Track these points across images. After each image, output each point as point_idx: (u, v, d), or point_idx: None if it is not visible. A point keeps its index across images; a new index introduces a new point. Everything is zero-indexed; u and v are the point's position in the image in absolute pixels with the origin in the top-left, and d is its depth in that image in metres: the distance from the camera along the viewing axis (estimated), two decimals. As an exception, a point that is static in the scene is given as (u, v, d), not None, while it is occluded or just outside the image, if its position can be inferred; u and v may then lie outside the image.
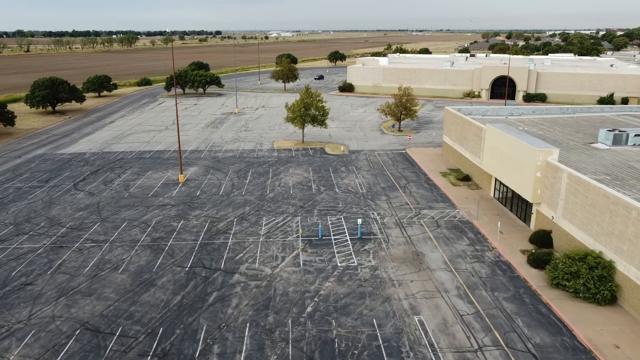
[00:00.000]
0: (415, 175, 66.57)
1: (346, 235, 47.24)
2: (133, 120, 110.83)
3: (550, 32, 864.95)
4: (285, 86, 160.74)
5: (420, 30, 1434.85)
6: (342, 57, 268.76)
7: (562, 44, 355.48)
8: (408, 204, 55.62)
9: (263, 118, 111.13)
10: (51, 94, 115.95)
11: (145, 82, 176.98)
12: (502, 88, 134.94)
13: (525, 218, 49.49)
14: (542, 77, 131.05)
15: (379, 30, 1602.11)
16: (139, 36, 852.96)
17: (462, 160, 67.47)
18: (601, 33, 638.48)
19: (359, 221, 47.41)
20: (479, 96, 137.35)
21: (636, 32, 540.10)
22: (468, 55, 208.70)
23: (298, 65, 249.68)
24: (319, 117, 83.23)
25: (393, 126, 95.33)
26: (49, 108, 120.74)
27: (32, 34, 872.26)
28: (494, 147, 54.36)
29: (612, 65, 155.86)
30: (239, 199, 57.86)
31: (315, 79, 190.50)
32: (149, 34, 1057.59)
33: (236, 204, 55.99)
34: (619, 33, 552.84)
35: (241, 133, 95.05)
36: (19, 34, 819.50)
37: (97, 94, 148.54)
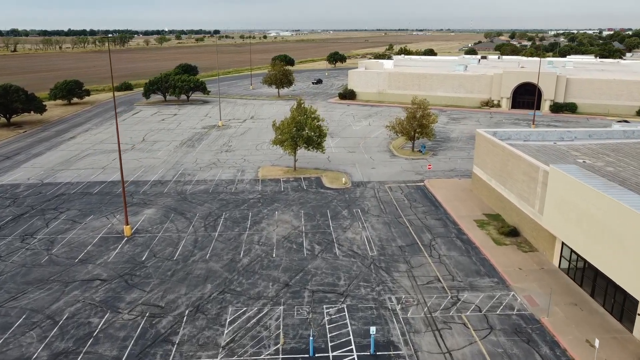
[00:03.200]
0: (442, 225, 49.89)
1: (352, 350, 30.59)
2: (97, 135, 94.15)
3: (553, 32, 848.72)
4: (279, 92, 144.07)
5: (421, 30, 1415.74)
6: (342, 59, 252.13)
7: (572, 44, 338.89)
8: (439, 280, 38.96)
9: (250, 133, 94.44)
10: (3, 104, 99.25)
11: (126, 87, 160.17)
12: (525, 96, 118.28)
13: (622, 316, 32.84)
14: (572, 84, 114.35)
15: (379, 30, 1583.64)
16: (135, 35, 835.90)
17: (504, 204, 50.84)
18: (605, 33, 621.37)
19: (372, 330, 30.64)
20: (498, 105, 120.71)
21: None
22: (480, 57, 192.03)
23: (295, 67, 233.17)
24: (314, 139, 66.60)
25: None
26: (3, 120, 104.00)
27: (26, 33, 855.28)
28: (564, 201, 37.73)
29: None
30: (199, 267, 41.18)
31: (312, 83, 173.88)
32: (146, 33, 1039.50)
33: (194, 279, 39.31)
34: (625, 33, 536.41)
35: (221, 155, 78.31)
36: (13, 32, 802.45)
37: (66, 102, 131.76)
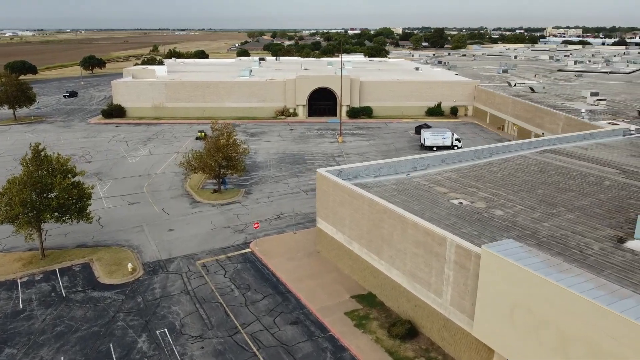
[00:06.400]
0: (305, 334, 32.17)
1: None
2: None
3: (307, 32, 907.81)
4: (15, 114, 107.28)
5: (183, 30, 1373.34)
6: (101, 63, 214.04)
7: (334, 44, 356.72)
8: None
9: (-35, 187, 62.00)
10: None
11: None
12: (321, 102, 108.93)
13: None
14: (366, 87, 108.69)
15: (139, 30, 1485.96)
16: None
17: (381, 282, 35.61)
18: (350, 32, 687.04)
19: None
20: (295, 114, 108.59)
21: (385, 32, 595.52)
22: (258, 59, 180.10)
23: (39, 76, 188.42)
24: (72, 206, 41.86)
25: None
26: None
27: None
28: (518, 306, 23.58)
29: (417, 69, 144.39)
30: None
31: (65, 96, 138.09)
32: None
33: None
34: (370, 33, 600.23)
35: None
36: None
37: None
